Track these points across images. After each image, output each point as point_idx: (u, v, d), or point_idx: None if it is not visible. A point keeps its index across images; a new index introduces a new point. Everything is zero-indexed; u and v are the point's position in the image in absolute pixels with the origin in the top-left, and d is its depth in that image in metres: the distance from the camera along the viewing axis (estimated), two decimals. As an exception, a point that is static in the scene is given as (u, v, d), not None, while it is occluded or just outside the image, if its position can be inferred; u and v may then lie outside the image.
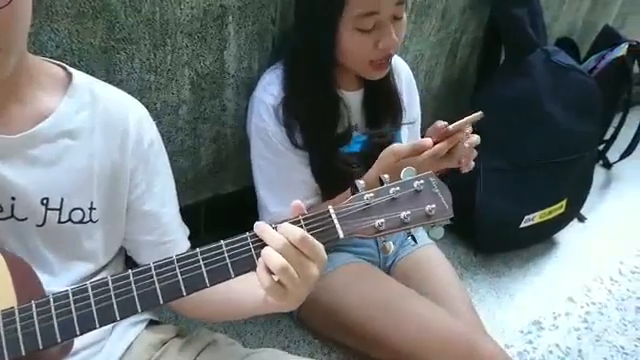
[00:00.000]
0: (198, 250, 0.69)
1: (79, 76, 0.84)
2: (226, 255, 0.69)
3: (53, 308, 0.64)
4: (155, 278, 0.67)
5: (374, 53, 1.04)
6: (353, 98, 1.18)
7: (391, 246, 0.75)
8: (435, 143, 0.95)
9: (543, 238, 1.80)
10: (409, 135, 1.31)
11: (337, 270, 1.19)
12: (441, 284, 1.19)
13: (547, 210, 1.67)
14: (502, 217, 1.62)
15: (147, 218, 0.90)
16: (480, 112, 0.94)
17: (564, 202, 1.71)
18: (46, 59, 0.84)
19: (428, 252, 1.30)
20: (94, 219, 0.84)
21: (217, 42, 1.19)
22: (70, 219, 0.81)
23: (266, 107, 1.11)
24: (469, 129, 0.99)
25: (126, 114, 0.87)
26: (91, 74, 1.00)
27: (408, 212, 0.74)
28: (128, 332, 0.92)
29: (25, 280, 0.72)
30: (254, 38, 1.24)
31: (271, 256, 0.68)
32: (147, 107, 1.15)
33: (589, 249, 1.83)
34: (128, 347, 0.91)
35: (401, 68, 1.30)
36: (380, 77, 1.12)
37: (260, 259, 0.69)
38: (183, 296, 0.67)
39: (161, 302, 0.67)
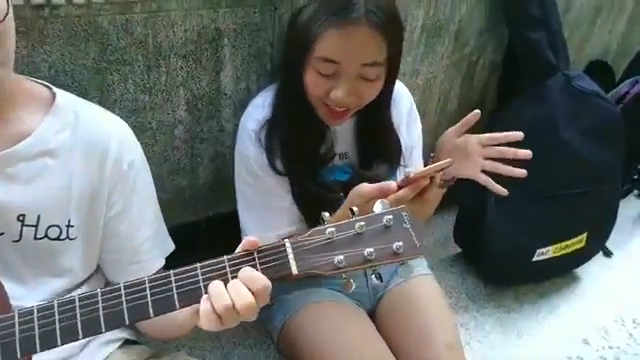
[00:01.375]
0: (171, 272, 0.69)
1: (63, 96, 0.86)
2: (175, 285, 0.68)
3: (17, 324, 0.65)
4: (123, 298, 0.67)
5: (327, 99, 1.02)
6: (342, 127, 1.16)
7: (352, 284, 0.73)
8: (399, 188, 0.91)
9: (561, 273, 1.70)
10: (407, 160, 1.27)
11: (307, 307, 1.17)
12: (424, 321, 1.14)
13: (563, 244, 1.57)
14: (512, 247, 1.54)
15: (121, 238, 0.91)
16: (450, 160, 0.90)
17: (584, 236, 1.61)
18: (31, 79, 0.87)
19: (420, 283, 1.25)
20: (72, 236, 0.85)
21: (212, 64, 1.20)
22: (47, 235, 0.83)
23: (248, 132, 1.10)
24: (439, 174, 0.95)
25: (108, 134, 0.88)
26: (84, 94, 1.05)
27: (372, 249, 0.70)
28: (100, 351, 0.92)
29: None
30: (251, 60, 1.24)
31: (220, 296, 0.66)
32: (142, 126, 1.19)
33: (612, 287, 1.71)
34: (100, 364, 0.91)
35: (401, 95, 1.25)
36: (334, 125, 1.10)
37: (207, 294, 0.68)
38: (150, 317, 0.67)
39: (127, 323, 0.67)
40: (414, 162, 1.31)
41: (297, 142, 1.10)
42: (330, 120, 1.08)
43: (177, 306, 0.68)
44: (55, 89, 0.87)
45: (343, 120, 1.09)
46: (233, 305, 0.66)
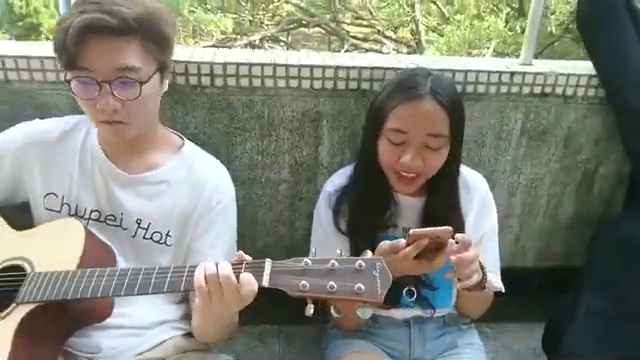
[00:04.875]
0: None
1: (188, 145, 1.26)
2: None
3: (117, 274, 0.99)
4: (185, 274, 0.95)
5: (397, 165, 1.18)
6: (410, 203, 1.29)
7: (340, 311, 0.87)
8: (407, 245, 1.04)
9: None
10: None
11: (349, 356, 1.29)
12: None
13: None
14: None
15: (196, 252, 1.21)
16: (448, 228, 0.99)
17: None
18: (171, 130, 1.28)
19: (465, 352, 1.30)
20: (168, 243, 1.20)
21: (313, 139, 1.50)
22: (151, 238, 1.19)
23: (324, 193, 1.34)
24: (454, 241, 1.04)
25: (208, 178, 1.22)
26: (215, 149, 1.45)
27: (335, 284, 0.85)
28: (168, 332, 1.22)
29: (95, 259, 1.09)
30: (345, 139, 1.51)
31: (196, 275, 0.92)
32: (254, 180, 1.54)
33: None
34: (162, 341, 1.20)
35: (474, 182, 1.35)
36: (405, 191, 1.24)
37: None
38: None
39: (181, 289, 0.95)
40: (485, 252, 1.36)
41: (362, 207, 1.28)
42: (399, 185, 1.23)
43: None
44: (185, 140, 1.27)
45: (412, 187, 1.22)
46: (220, 283, 0.89)
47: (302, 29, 10.76)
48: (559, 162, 1.62)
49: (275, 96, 1.44)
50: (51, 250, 1.10)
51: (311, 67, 1.41)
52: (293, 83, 1.42)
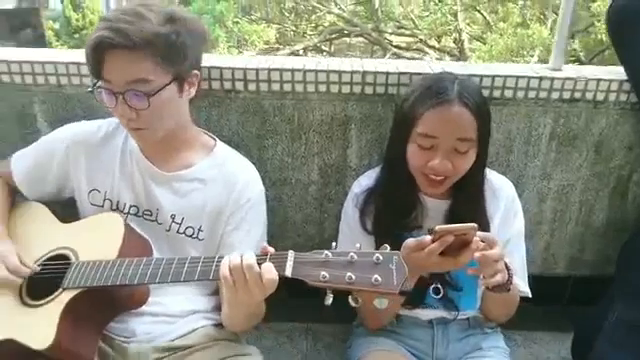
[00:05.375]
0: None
1: (220, 146, 1.34)
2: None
3: (153, 263, 1.08)
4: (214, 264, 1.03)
5: (426, 168, 1.21)
6: (435, 205, 1.32)
7: (358, 300, 0.91)
8: (433, 242, 1.06)
9: None
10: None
11: (371, 353, 1.33)
12: None
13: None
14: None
15: (227, 246, 1.28)
16: (473, 225, 1.01)
17: None
18: (204, 131, 1.35)
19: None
20: (200, 237, 1.28)
21: (341, 142, 1.55)
22: (184, 232, 1.27)
23: (352, 194, 1.38)
24: (478, 239, 1.06)
25: (238, 177, 1.29)
26: (248, 151, 1.52)
27: (354, 275, 0.90)
28: (199, 322, 1.28)
29: (133, 250, 1.16)
30: (373, 143, 1.55)
31: (221, 266, 0.99)
32: (284, 181, 1.60)
33: None
34: (193, 330, 1.27)
35: (501, 186, 1.36)
36: (433, 193, 1.27)
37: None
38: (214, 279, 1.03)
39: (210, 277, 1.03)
40: (511, 256, 1.37)
41: (388, 208, 1.32)
42: (428, 188, 1.26)
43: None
44: (218, 141, 1.34)
45: (440, 189, 1.25)
46: (244, 273, 0.96)
47: (345, 39, 10.88)
48: (591, 168, 1.61)
49: (305, 100, 1.50)
50: (94, 241, 1.20)
51: (339, 72, 1.46)
52: (322, 88, 1.48)
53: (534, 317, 1.76)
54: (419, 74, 1.44)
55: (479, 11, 9.64)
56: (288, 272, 0.95)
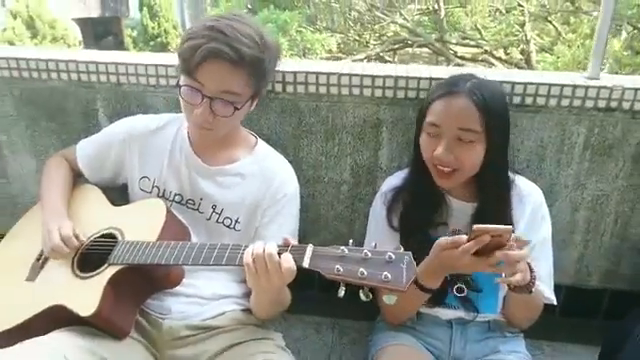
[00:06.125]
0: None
1: (261, 144, 1.45)
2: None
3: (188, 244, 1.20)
4: (240, 250, 1.13)
5: (434, 159, 1.26)
6: (462, 207, 1.35)
7: (369, 295, 0.98)
8: (468, 241, 1.11)
9: None
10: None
11: (388, 347, 1.38)
12: None
13: None
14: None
15: (259, 238, 1.36)
16: (510, 227, 1.05)
17: None
18: (248, 130, 1.47)
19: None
20: (237, 228, 1.38)
21: (373, 144, 1.62)
22: (223, 222, 1.38)
23: (380, 192, 1.44)
24: (512, 241, 1.09)
25: (275, 174, 1.39)
26: (284, 149, 1.62)
27: (366, 271, 0.97)
28: (229, 306, 1.38)
29: (172, 234, 1.28)
30: (404, 145, 1.60)
31: (245, 253, 1.08)
32: (318, 179, 1.69)
33: None
34: (223, 312, 1.36)
35: (529, 193, 1.37)
36: (445, 186, 1.30)
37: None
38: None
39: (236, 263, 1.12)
40: (535, 261, 1.37)
41: (413, 204, 1.36)
42: (439, 180, 1.29)
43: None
44: (259, 139, 1.45)
45: (450, 183, 1.29)
46: (265, 261, 1.05)
47: (410, 49, 10.85)
48: (627, 179, 1.57)
49: (339, 103, 1.58)
50: (138, 223, 1.32)
51: (373, 77, 1.52)
52: (356, 91, 1.55)
53: (565, 328, 1.74)
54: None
55: (550, 22, 9.33)
56: (305, 263, 1.02)
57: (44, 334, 1.17)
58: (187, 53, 1.21)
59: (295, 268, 1.04)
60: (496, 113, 1.23)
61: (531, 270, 1.19)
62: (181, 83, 1.26)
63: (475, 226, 1.08)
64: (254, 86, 1.27)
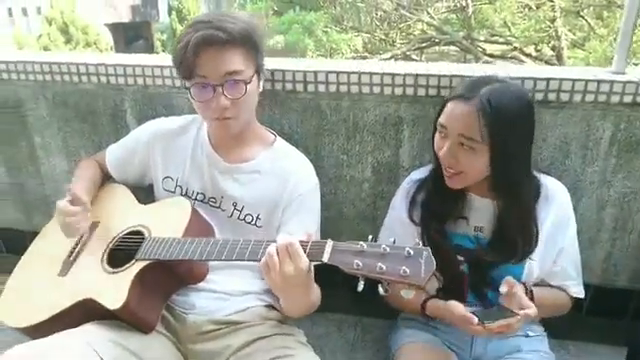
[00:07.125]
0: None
1: (279, 141, 1.47)
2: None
3: (212, 240, 1.23)
4: (261, 246, 1.15)
5: (441, 158, 1.27)
6: (483, 204, 1.34)
7: (387, 290, 0.99)
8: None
9: None
10: (548, 264, 1.36)
11: (406, 345, 1.40)
12: None
13: None
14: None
15: (281, 234, 1.39)
16: (518, 317, 1.18)
17: None
18: (266, 128, 1.50)
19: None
20: (258, 225, 1.41)
21: (394, 141, 1.62)
22: (244, 219, 1.41)
23: (402, 187, 1.44)
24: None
25: (290, 175, 1.41)
26: (306, 147, 1.64)
27: (385, 265, 0.98)
28: (253, 301, 1.41)
29: (197, 231, 1.32)
30: (425, 144, 1.60)
31: (269, 252, 1.09)
32: (340, 177, 1.70)
33: None
34: (246, 308, 1.39)
35: (554, 192, 1.35)
36: (451, 186, 1.30)
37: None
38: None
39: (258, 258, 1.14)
40: (563, 263, 1.38)
41: (434, 197, 1.37)
42: (447, 180, 1.30)
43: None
44: (277, 136, 1.48)
45: (455, 184, 1.29)
46: (287, 252, 1.07)
47: (437, 47, 10.75)
48: (657, 176, 1.54)
49: (360, 101, 1.59)
50: (164, 220, 1.36)
51: (393, 75, 1.53)
52: (376, 90, 1.56)
53: (591, 328, 1.71)
54: (469, 77, 1.47)
55: (582, 17, 9.11)
56: (325, 258, 1.04)
57: (75, 327, 1.22)
58: (180, 54, 1.26)
59: (307, 261, 1.06)
60: (508, 122, 1.19)
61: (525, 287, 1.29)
62: (188, 86, 1.30)
63: (487, 324, 1.18)
64: (253, 59, 1.32)
